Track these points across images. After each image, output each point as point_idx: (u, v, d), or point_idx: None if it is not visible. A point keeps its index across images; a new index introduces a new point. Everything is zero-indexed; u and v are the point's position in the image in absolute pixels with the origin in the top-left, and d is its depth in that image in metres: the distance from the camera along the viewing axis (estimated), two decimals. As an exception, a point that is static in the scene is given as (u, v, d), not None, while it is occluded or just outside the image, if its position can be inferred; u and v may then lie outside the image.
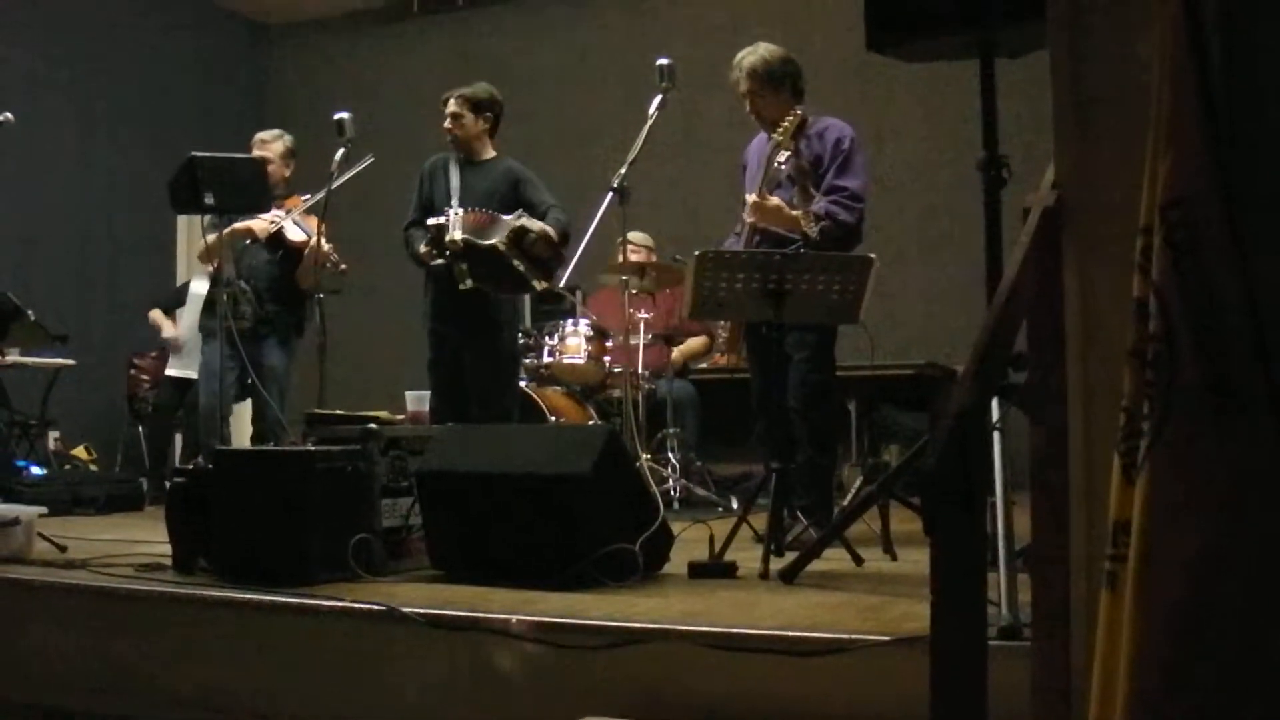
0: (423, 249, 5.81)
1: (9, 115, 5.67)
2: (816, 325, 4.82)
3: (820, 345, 4.92)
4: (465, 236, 5.67)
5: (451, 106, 5.92)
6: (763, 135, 5.15)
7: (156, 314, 8.28)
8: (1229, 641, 1.59)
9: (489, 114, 5.97)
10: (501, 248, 5.65)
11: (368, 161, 6.14)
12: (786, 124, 4.84)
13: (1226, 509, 1.60)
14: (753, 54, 5.07)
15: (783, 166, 4.92)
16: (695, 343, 7.53)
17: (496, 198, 5.85)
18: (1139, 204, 1.72)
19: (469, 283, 5.72)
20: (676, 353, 7.35)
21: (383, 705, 3.21)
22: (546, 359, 6.90)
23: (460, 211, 5.76)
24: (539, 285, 5.84)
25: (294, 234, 6.29)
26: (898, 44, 3.70)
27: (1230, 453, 1.61)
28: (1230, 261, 1.62)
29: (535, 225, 5.74)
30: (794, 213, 4.89)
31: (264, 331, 6.28)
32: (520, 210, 5.78)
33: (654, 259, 7.47)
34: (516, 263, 5.69)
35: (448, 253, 5.71)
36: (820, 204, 4.89)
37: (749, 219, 5.01)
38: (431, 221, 5.78)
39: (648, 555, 3.73)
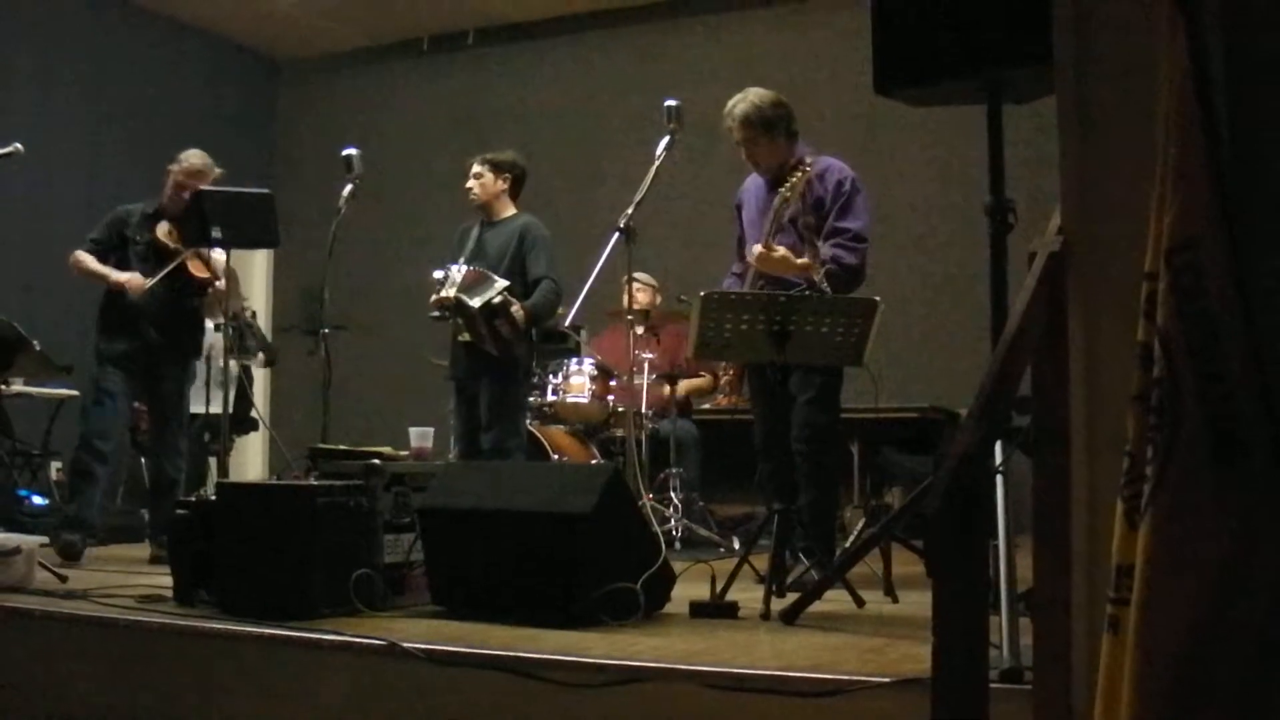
0: (431, 299, 5.91)
1: (18, 146, 5.68)
2: (823, 367, 4.81)
3: (826, 387, 4.90)
4: (458, 295, 5.76)
5: (474, 168, 6.10)
6: (758, 176, 5.16)
7: None
8: (1230, 686, 1.59)
9: (508, 174, 6.12)
10: (475, 309, 5.74)
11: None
12: (795, 179, 4.78)
13: (1229, 554, 1.60)
14: (743, 101, 5.03)
15: (786, 214, 4.90)
16: (699, 379, 7.55)
17: (508, 255, 5.98)
18: (1144, 250, 1.73)
19: (465, 335, 5.82)
20: (682, 384, 7.33)
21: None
22: (550, 397, 6.91)
23: (463, 269, 5.85)
24: (494, 352, 5.88)
25: (198, 270, 6.04)
26: (905, 88, 3.71)
27: (1233, 498, 1.61)
28: (1234, 307, 1.63)
29: (511, 309, 5.83)
30: (800, 261, 4.88)
31: (160, 359, 6.04)
32: (505, 283, 5.84)
33: (659, 299, 7.48)
34: (482, 330, 5.79)
35: (444, 309, 5.91)
36: (824, 249, 4.88)
37: (754, 265, 4.99)
38: (437, 274, 5.89)
39: (649, 594, 3.73)
